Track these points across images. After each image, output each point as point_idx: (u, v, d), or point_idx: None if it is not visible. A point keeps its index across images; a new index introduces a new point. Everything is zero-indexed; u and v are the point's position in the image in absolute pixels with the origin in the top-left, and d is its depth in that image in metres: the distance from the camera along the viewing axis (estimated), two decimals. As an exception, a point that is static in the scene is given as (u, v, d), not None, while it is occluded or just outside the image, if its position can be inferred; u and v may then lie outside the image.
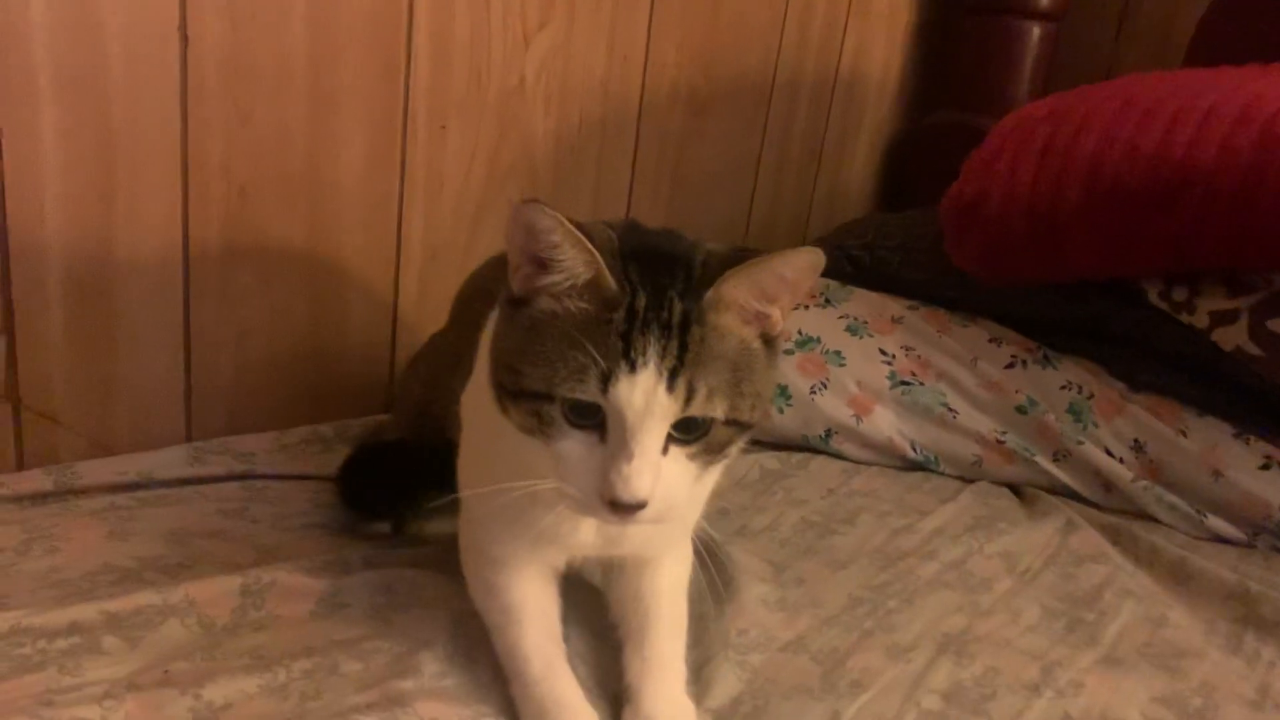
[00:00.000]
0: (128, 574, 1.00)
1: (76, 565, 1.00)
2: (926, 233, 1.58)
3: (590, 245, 0.73)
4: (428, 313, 1.47)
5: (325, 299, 1.42)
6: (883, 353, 1.48)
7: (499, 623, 0.92)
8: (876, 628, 1.05)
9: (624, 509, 0.73)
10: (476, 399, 0.87)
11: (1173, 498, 1.32)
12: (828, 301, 1.56)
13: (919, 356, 1.47)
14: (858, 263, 1.64)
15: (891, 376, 1.46)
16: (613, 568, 0.98)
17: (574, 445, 0.74)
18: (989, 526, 1.28)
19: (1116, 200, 1.29)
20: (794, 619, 1.06)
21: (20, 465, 1.21)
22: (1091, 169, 1.31)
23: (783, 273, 0.75)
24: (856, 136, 2.13)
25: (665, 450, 0.74)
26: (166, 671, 0.86)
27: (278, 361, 1.40)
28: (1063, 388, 1.41)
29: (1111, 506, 1.36)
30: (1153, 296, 1.36)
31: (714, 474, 0.86)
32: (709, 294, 0.74)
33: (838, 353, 1.48)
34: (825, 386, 1.46)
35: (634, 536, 0.88)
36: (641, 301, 0.74)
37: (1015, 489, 1.42)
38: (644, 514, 0.74)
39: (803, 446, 1.48)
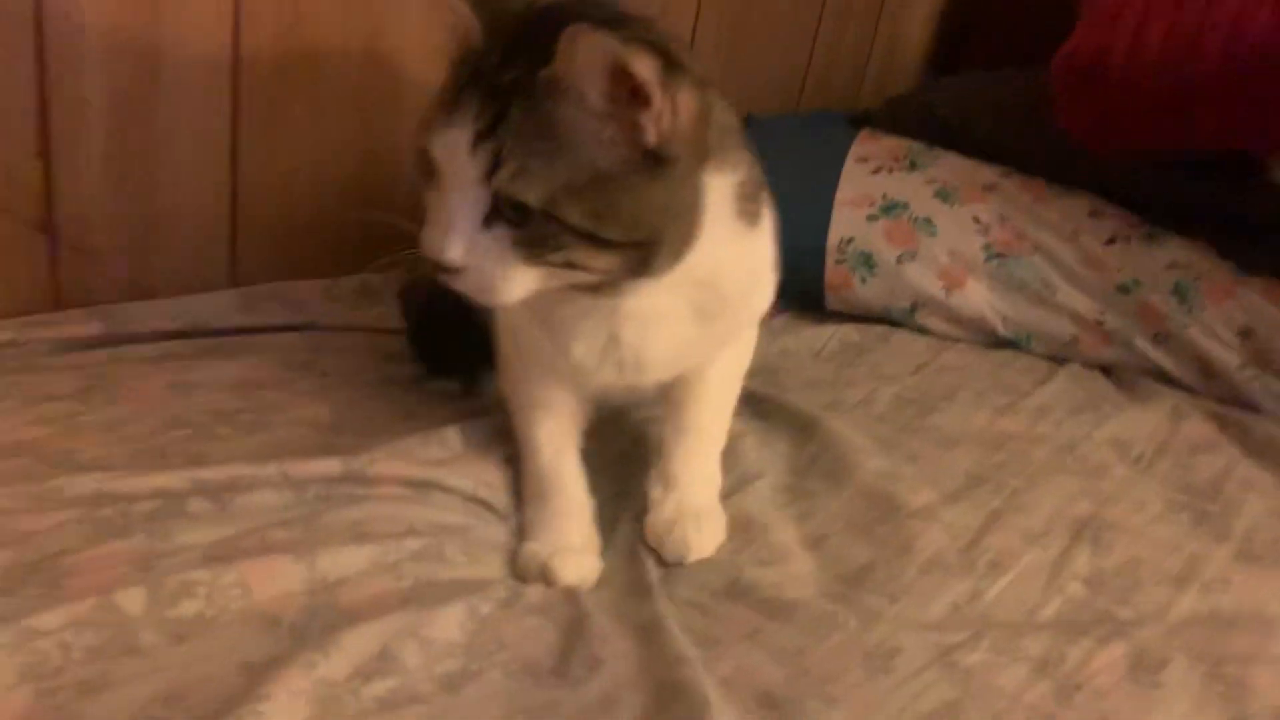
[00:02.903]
0: (200, 430, 0.91)
1: (144, 418, 0.91)
2: (1024, 94, 1.46)
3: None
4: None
5: (378, 138, 1.29)
6: (976, 221, 1.38)
7: (520, 405, 0.92)
8: (1004, 508, 1.00)
9: (446, 271, 0.70)
10: None
11: (1280, 387, 1.26)
12: (913, 165, 1.45)
13: (1014, 227, 1.38)
14: (945, 123, 1.52)
15: (986, 248, 1.37)
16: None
17: (428, 198, 0.72)
18: (1095, 409, 1.22)
19: (1261, 64, 1.18)
20: (915, 491, 1.00)
21: (57, 304, 1.10)
22: (1235, 28, 1.20)
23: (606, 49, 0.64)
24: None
25: (490, 225, 0.69)
26: (264, 539, 0.78)
27: (327, 204, 1.28)
28: (1168, 267, 1.33)
29: (1212, 394, 1.30)
30: (1277, 174, 1.27)
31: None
32: (548, 68, 0.66)
33: (928, 220, 1.38)
34: (914, 256, 1.37)
35: (649, 363, 0.84)
36: (491, 61, 0.68)
37: (1106, 372, 1.35)
38: (464, 283, 0.71)
39: (882, 319, 1.40)
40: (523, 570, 0.85)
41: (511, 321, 0.90)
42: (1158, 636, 0.84)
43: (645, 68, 0.64)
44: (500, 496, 0.92)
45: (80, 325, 1.04)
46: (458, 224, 0.69)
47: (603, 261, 0.71)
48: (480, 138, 0.66)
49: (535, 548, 0.86)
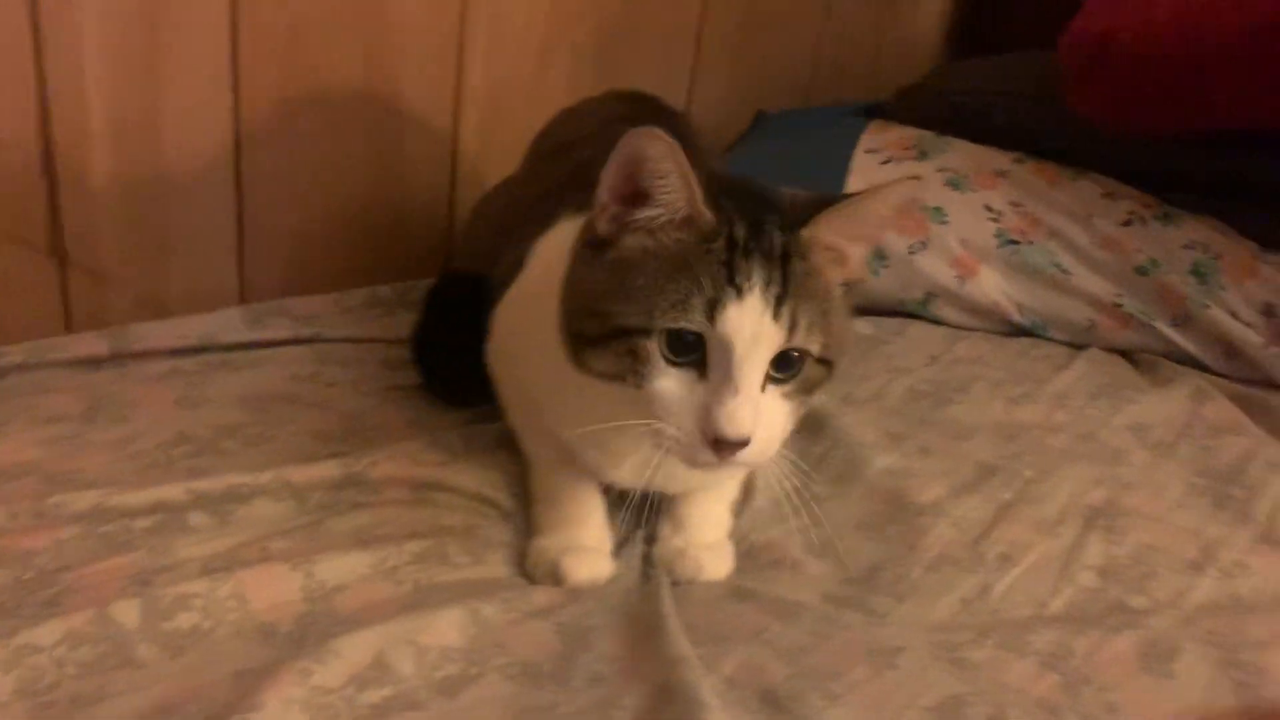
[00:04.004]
0: (206, 444, 0.92)
1: (149, 435, 0.92)
2: (1035, 77, 1.44)
3: (694, 176, 0.70)
4: (489, 163, 1.35)
5: (382, 148, 1.31)
6: (988, 209, 1.36)
7: (532, 449, 0.92)
8: (1016, 499, 0.98)
9: (728, 446, 0.70)
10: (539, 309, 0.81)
11: (1306, 366, 1.23)
12: (924, 154, 1.44)
13: (1028, 213, 1.36)
14: (958, 110, 1.51)
15: (999, 235, 1.35)
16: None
17: (672, 384, 0.72)
18: (1113, 395, 1.20)
19: (1274, 39, 1.15)
20: (925, 487, 0.98)
21: (68, 327, 1.12)
22: (1245, 2, 1.17)
23: (878, 210, 0.75)
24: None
25: (763, 388, 0.72)
26: (265, 549, 0.78)
27: (333, 216, 1.30)
28: (1186, 247, 1.30)
29: (1235, 375, 1.27)
30: (1296, 146, 1.24)
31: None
32: (805, 231, 0.73)
33: (938, 209, 1.37)
34: (925, 246, 1.35)
35: (682, 470, 0.81)
36: (741, 232, 0.72)
37: (1127, 356, 1.33)
38: (744, 453, 0.71)
39: (896, 311, 1.38)
40: (532, 568, 0.84)
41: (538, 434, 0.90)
42: (1171, 625, 0.82)
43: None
44: (505, 494, 0.92)
45: (89, 346, 1.05)
46: (753, 395, 0.71)
47: (823, 385, 0.77)
48: (779, 303, 0.70)
49: (545, 544, 0.85)
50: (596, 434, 0.79)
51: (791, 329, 0.71)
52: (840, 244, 0.76)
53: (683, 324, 0.70)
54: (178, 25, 1.08)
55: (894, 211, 0.77)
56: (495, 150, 1.36)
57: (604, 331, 0.72)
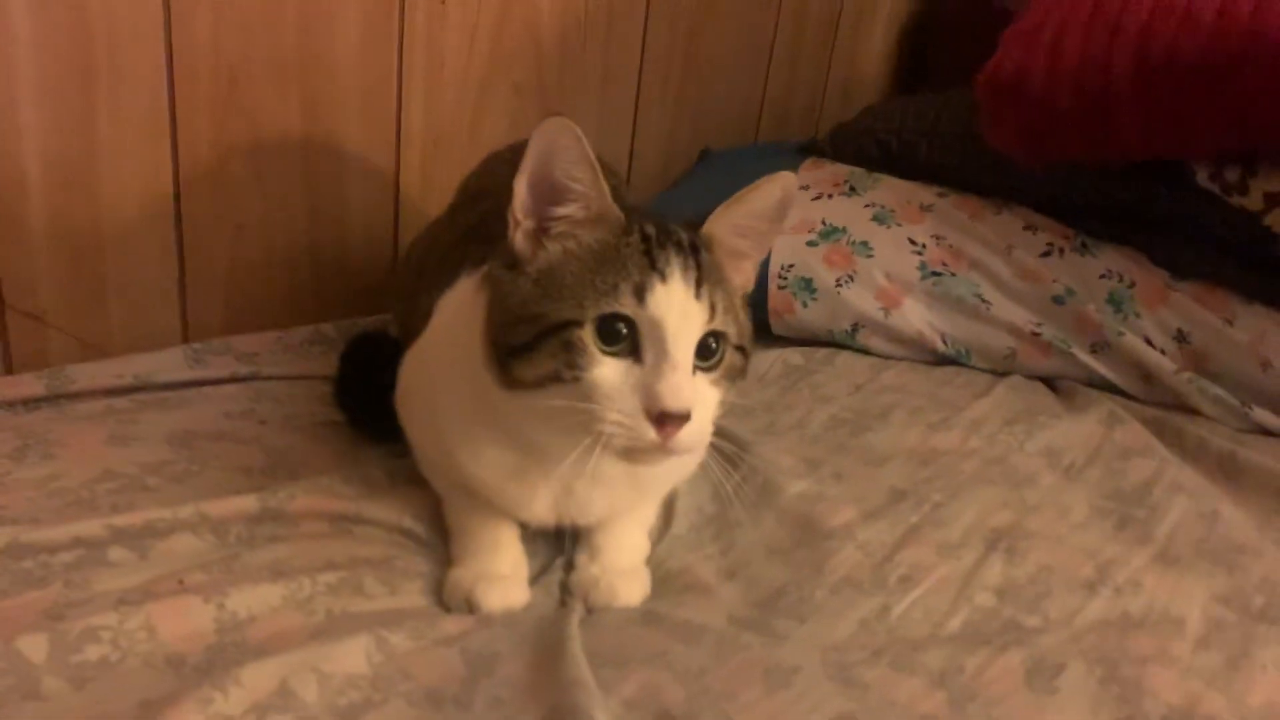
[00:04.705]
0: (131, 481, 0.94)
1: (75, 473, 0.94)
2: (958, 114, 1.49)
3: (600, 173, 0.75)
4: (431, 203, 1.39)
5: (323, 190, 1.34)
6: (912, 242, 1.41)
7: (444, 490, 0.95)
8: (923, 523, 1.01)
9: (672, 421, 0.73)
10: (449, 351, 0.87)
11: (1217, 390, 1.27)
12: (853, 190, 1.48)
13: (950, 245, 1.40)
14: (885, 148, 1.56)
15: (922, 267, 1.39)
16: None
17: (608, 372, 0.74)
18: (1028, 420, 1.23)
19: (1172, 73, 1.20)
20: (835, 511, 1.01)
21: (9, 369, 1.14)
22: (1144, 40, 1.22)
23: (761, 203, 0.81)
24: (873, 17, 2.02)
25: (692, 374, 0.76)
26: (181, 582, 0.81)
27: (275, 257, 1.33)
28: (1102, 276, 1.35)
29: (1151, 400, 1.31)
30: (1202, 178, 1.28)
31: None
32: (705, 227, 0.80)
33: (865, 243, 1.41)
34: (852, 279, 1.39)
35: (596, 502, 0.88)
36: (650, 229, 0.78)
37: (1049, 383, 1.37)
38: (683, 434, 0.74)
39: (827, 342, 1.42)
40: (447, 597, 0.86)
41: (448, 460, 0.90)
42: (1060, 642, 0.85)
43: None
44: (424, 525, 0.94)
45: (26, 387, 1.07)
46: (688, 372, 0.75)
47: (741, 376, 0.82)
48: (699, 287, 0.75)
49: (460, 574, 0.87)
50: (509, 472, 0.84)
51: (712, 311, 0.76)
52: (738, 244, 0.82)
53: (615, 308, 0.74)
54: (114, 71, 1.11)
55: (777, 207, 0.81)
56: (437, 189, 1.40)
57: (536, 332, 0.75)
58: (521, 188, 0.77)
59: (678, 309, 0.74)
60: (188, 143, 1.19)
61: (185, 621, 0.76)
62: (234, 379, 1.17)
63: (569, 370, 0.74)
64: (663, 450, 0.75)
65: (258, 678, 0.72)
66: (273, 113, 1.25)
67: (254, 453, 1.01)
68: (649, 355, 0.74)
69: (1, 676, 0.69)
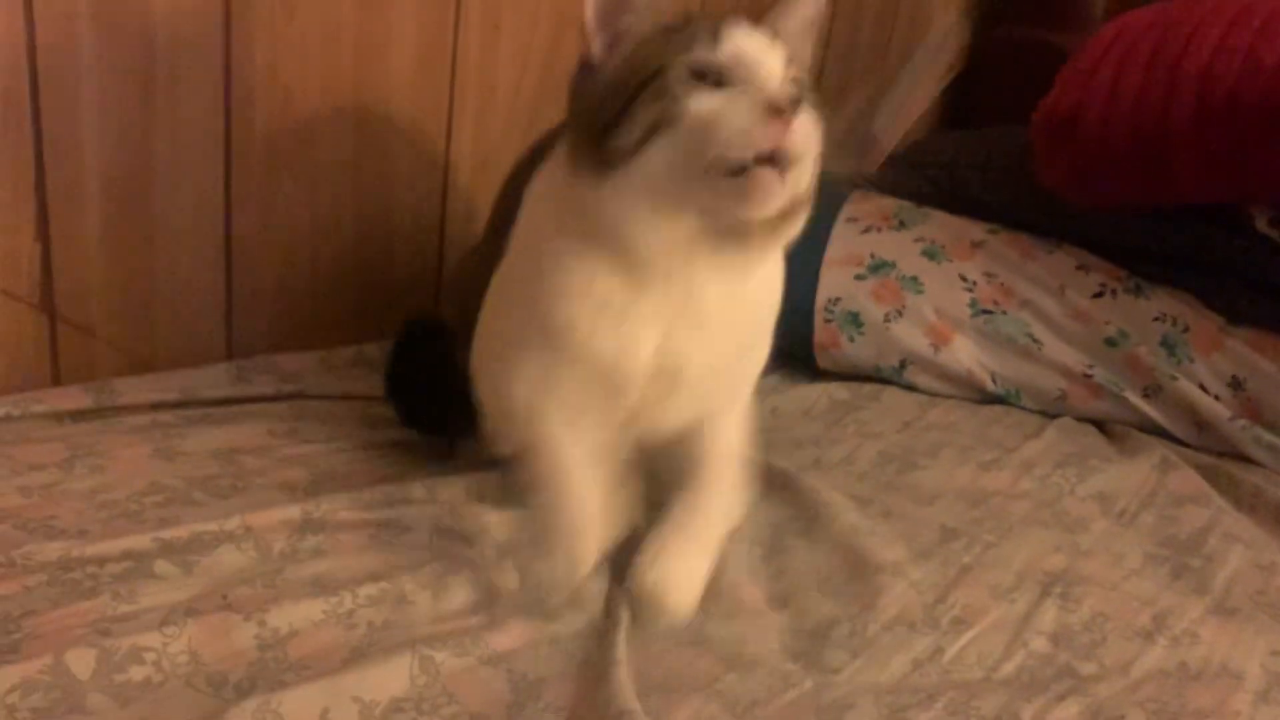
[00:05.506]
0: (177, 494, 0.94)
1: (123, 485, 0.94)
2: (1011, 151, 1.48)
3: None
4: (477, 227, 1.38)
5: (370, 212, 1.34)
6: (963, 279, 1.39)
7: (533, 442, 0.90)
8: (975, 564, 0.99)
9: (788, 108, 0.71)
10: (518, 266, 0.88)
11: (1272, 438, 1.25)
12: (902, 224, 1.47)
13: (1001, 283, 1.39)
14: (936, 183, 1.55)
15: (973, 305, 1.37)
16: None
17: (708, 99, 0.74)
18: (1080, 464, 1.21)
19: (1233, 116, 1.19)
20: (886, 547, 1.00)
21: (57, 380, 1.14)
22: (1205, 82, 1.21)
23: (800, 15, 0.83)
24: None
25: None
26: (225, 597, 0.80)
27: (322, 275, 1.33)
28: (1155, 319, 1.33)
29: (1204, 446, 1.29)
30: (1261, 223, 1.27)
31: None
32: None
33: (914, 278, 1.40)
34: (901, 314, 1.38)
35: (695, 356, 0.84)
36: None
37: (1099, 425, 1.34)
38: (796, 129, 0.72)
39: (873, 377, 1.41)
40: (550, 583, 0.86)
41: (543, 340, 0.86)
42: (1117, 692, 0.83)
43: None
44: (468, 523, 0.94)
45: (73, 399, 1.08)
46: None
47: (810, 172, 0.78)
48: (772, 38, 0.77)
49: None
50: (608, 308, 0.81)
51: (789, 58, 0.77)
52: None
53: (697, 52, 0.75)
54: (172, 85, 1.12)
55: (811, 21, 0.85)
56: (482, 213, 1.40)
57: (627, 96, 0.75)
58: (590, 8, 0.78)
59: (757, 47, 0.76)
60: (241, 160, 1.20)
61: (227, 641, 0.76)
62: (279, 396, 1.18)
63: (670, 108, 0.74)
64: (780, 151, 0.72)
65: (298, 708, 0.71)
66: (325, 132, 1.26)
67: (297, 472, 1.01)
68: (742, 78, 0.75)
69: (49, 690, 0.69)
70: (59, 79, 1.05)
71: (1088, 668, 0.86)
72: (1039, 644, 0.89)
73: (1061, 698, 0.81)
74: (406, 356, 1.12)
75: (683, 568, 0.89)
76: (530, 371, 0.87)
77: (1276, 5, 1.22)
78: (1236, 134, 1.20)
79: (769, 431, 1.22)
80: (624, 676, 0.77)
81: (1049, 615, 0.92)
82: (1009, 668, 0.86)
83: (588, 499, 0.88)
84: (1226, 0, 1.28)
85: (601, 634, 0.84)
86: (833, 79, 1.85)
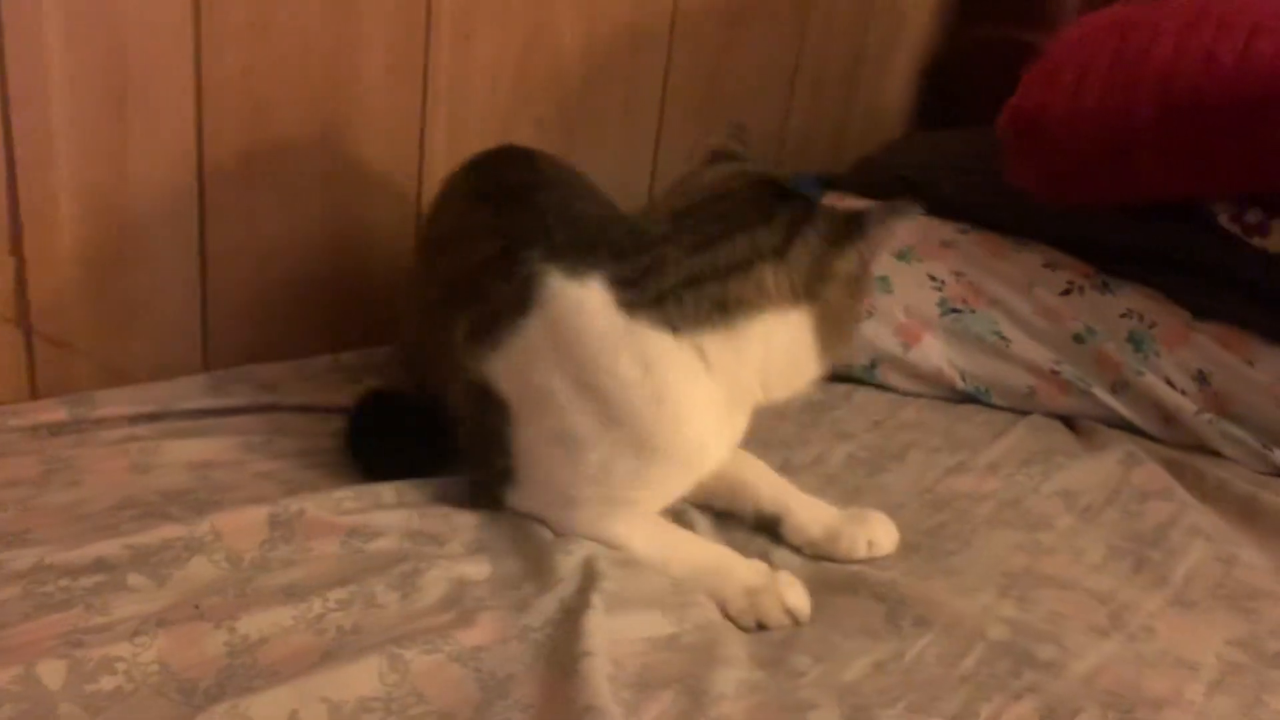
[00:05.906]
0: (152, 508, 0.95)
1: (99, 499, 0.95)
2: (980, 152, 1.49)
3: None
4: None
5: (345, 221, 1.36)
6: (932, 278, 1.41)
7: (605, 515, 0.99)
8: (936, 571, 1.00)
9: None
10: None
11: (1238, 431, 1.26)
12: (872, 225, 1.48)
13: (970, 282, 1.40)
14: (909, 183, 1.56)
15: (942, 303, 1.39)
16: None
17: None
18: (1046, 461, 1.23)
19: (1193, 115, 1.21)
20: (851, 552, 1.02)
21: (34, 394, 1.16)
22: (1165, 82, 1.23)
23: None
24: (896, 51, 2.03)
25: None
26: (197, 607, 0.82)
27: (297, 286, 1.34)
28: (1123, 316, 1.34)
29: (1171, 440, 1.30)
30: (1223, 219, 1.28)
31: None
32: None
33: (884, 279, 1.41)
34: (871, 314, 1.39)
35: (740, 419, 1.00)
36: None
37: (1069, 422, 1.36)
38: None
39: (846, 377, 1.42)
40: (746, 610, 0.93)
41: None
42: (1072, 687, 0.84)
43: None
44: (440, 524, 0.96)
45: (50, 413, 1.09)
46: None
47: None
48: None
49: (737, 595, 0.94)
50: (718, 417, 0.97)
51: None
52: None
53: None
54: (144, 99, 1.13)
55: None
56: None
57: None
58: None
59: None
60: (213, 173, 1.21)
61: (197, 650, 0.77)
62: (254, 408, 1.19)
63: None
64: None
65: (267, 711, 0.72)
66: (297, 143, 1.27)
67: (269, 486, 1.02)
68: None
69: (18, 701, 0.70)
70: (28, 93, 1.06)
71: (1045, 663, 0.88)
72: (997, 641, 0.90)
73: (1019, 696, 0.83)
74: (365, 420, 1.13)
75: (844, 515, 1.04)
76: (644, 494, 0.99)
77: (1233, 7, 1.24)
78: (1198, 132, 1.22)
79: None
80: (593, 669, 0.78)
81: (1007, 613, 0.94)
82: (968, 665, 0.87)
83: (705, 542, 1.01)
84: (1185, 2, 1.30)
85: (580, 628, 0.83)
86: (808, 75, 1.86)
